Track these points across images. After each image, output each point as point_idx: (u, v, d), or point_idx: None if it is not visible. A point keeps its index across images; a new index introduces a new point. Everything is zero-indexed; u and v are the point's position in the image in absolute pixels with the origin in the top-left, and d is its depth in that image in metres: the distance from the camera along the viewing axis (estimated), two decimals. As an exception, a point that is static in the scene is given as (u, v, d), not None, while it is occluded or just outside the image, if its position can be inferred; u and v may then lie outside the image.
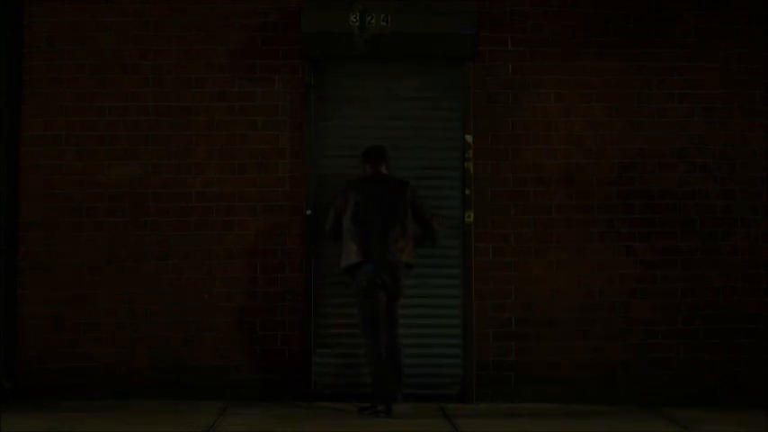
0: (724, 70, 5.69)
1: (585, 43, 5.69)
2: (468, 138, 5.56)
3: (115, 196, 5.57)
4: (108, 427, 4.72)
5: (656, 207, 5.63)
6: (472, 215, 5.54)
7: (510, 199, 5.61)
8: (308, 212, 5.53)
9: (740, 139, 5.67)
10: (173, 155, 5.60)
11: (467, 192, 5.54)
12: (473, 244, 5.54)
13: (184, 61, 5.63)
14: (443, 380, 5.53)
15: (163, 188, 5.58)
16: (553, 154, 5.64)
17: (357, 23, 5.37)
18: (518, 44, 5.67)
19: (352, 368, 5.50)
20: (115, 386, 5.48)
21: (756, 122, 5.67)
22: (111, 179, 5.57)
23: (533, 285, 5.58)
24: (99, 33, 5.65)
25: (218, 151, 5.60)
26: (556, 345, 5.55)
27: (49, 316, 5.51)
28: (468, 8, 5.44)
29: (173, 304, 5.53)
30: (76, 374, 5.48)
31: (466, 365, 5.50)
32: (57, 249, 5.54)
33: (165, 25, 5.64)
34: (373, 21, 5.38)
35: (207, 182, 5.58)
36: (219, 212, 5.57)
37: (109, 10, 5.65)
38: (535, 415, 5.19)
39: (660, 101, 5.68)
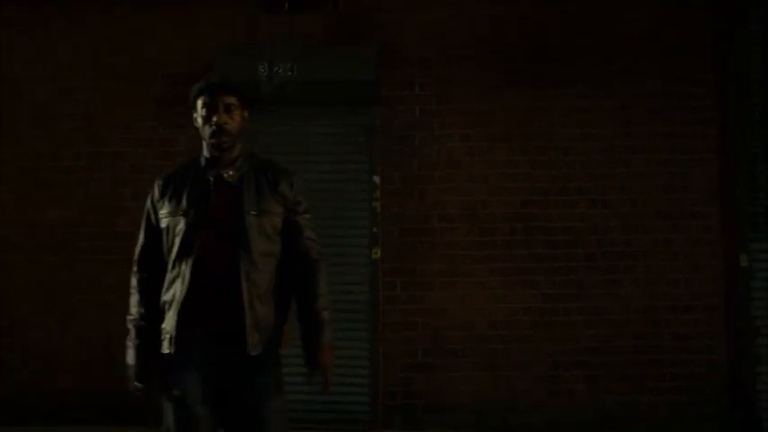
0: (622, 110, 5.56)
1: (489, 86, 5.59)
2: (376, 178, 5.48)
3: (50, 235, 5.60)
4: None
5: (558, 242, 5.48)
6: (379, 251, 5.46)
7: (416, 235, 5.51)
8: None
9: (638, 176, 5.51)
10: (102, 197, 5.62)
11: (374, 229, 5.46)
12: (380, 278, 5.43)
13: (113, 109, 5.65)
14: (351, 408, 5.42)
15: (93, 228, 5.59)
16: (457, 192, 5.53)
17: (265, 72, 5.35)
18: (424, 88, 5.60)
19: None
20: (47, 411, 5.47)
21: (653, 159, 5.51)
22: (46, 220, 5.61)
23: (439, 318, 5.46)
24: (36, 85, 5.72)
25: (143, 194, 5.55)
26: (461, 375, 5.42)
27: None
28: (368, 56, 5.41)
29: (101, 333, 5.50)
30: (11, 400, 5.48)
31: (373, 395, 5.40)
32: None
33: (96, 77, 5.68)
34: (280, 70, 5.36)
35: (132, 222, 5.53)
36: (144, 250, 5.54)
37: (44, 64, 5.71)
38: (435, 443, 5.09)
39: (562, 140, 5.56)
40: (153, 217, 2.91)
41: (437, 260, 5.49)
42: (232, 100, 2.87)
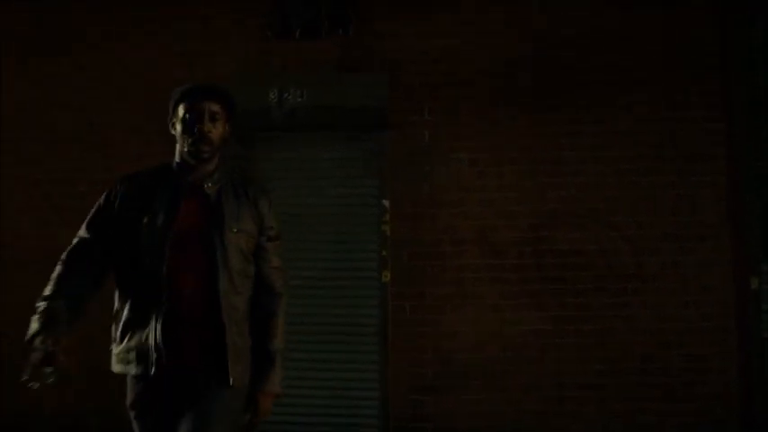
0: (629, 132, 5.56)
1: (498, 110, 5.62)
2: (386, 202, 5.52)
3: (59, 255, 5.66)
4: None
5: (568, 265, 5.48)
6: (389, 275, 5.48)
7: (426, 259, 5.53)
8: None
9: (647, 198, 5.51)
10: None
11: (383, 253, 5.49)
12: (390, 302, 5.46)
13: (127, 137, 5.74)
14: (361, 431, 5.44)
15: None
16: (467, 216, 5.55)
17: (275, 99, 5.43)
18: (434, 113, 5.63)
19: None
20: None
21: (661, 181, 5.51)
22: (62, 244, 5.65)
23: (449, 340, 5.48)
24: (54, 111, 5.83)
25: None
26: (471, 397, 5.43)
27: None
28: (378, 82, 5.45)
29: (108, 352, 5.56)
30: (25, 418, 5.56)
31: (383, 418, 5.42)
32: (9, 303, 5.65)
33: (111, 103, 5.78)
34: (290, 96, 5.43)
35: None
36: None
37: (63, 89, 5.83)
38: (445, 466, 5.09)
39: (571, 163, 5.57)
40: (106, 214, 2.69)
41: (447, 283, 5.51)
42: (217, 108, 2.67)
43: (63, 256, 2.69)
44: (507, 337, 5.45)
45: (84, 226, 2.73)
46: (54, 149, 5.79)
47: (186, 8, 5.84)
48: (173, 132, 2.75)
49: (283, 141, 5.62)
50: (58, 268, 2.65)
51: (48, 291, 2.58)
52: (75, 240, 2.72)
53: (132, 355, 2.57)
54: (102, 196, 2.75)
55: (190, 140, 2.64)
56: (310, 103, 5.43)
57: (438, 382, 5.44)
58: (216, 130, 2.67)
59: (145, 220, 2.58)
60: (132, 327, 2.59)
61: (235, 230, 2.64)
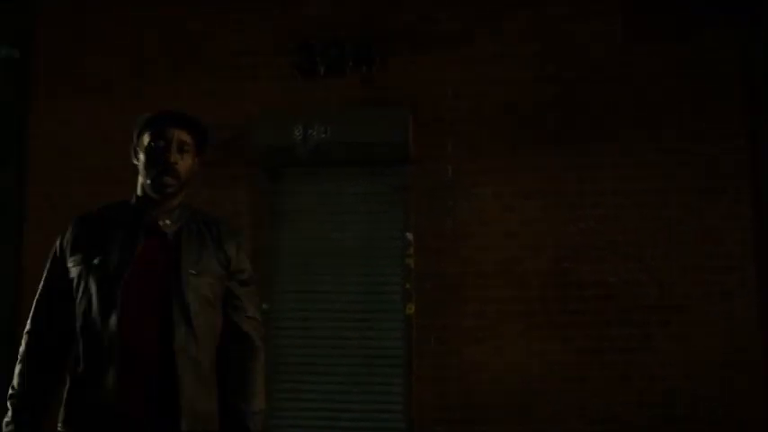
0: (652, 163, 5.58)
1: (521, 144, 5.69)
2: (409, 235, 5.60)
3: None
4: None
5: (591, 297, 5.50)
6: (413, 307, 5.55)
7: (450, 291, 5.59)
8: (265, 306, 5.62)
9: (671, 229, 5.52)
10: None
11: (407, 286, 5.56)
12: (414, 334, 5.52)
13: (159, 173, 5.89)
14: (386, 463, 5.48)
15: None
16: (490, 248, 5.61)
17: (300, 136, 5.55)
18: (457, 147, 5.72)
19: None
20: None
21: (685, 213, 5.52)
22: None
23: (474, 372, 5.51)
24: (90, 151, 6.03)
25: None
26: (495, 429, 5.44)
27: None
28: (401, 117, 5.55)
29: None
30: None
31: (408, 449, 5.45)
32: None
33: (143, 142, 5.95)
34: (314, 133, 5.55)
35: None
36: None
37: (96, 132, 6.03)
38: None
39: (593, 195, 5.60)
40: (60, 263, 2.39)
41: (470, 315, 5.55)
42: (187, 138, 2.40)
43: (29, 319, 2.43)
44: (531, 370, 5.47)
45: (42, 280, 2.46)
46: (86, 184, 5.97)
47: (214, 47, 6.05)
48: (135, 163, 2.47)
49: (308, 177, 5.75)
50: (23, 345, 2.40)
51: (16, 383, 2.37)
52: (35, 300, 2.44)
53: (82, 413, 2.26)
54: (56, 242, 2.46)
55: (154, 172, 2.36)
56: (334, 138, 5.54)
57: (462, 413, 5.46)
58: (184, 162, 2.40)
59: (96, 261, 2.30)
60: (84, 382, 2.27)
61: (194, 273, 2.33)
